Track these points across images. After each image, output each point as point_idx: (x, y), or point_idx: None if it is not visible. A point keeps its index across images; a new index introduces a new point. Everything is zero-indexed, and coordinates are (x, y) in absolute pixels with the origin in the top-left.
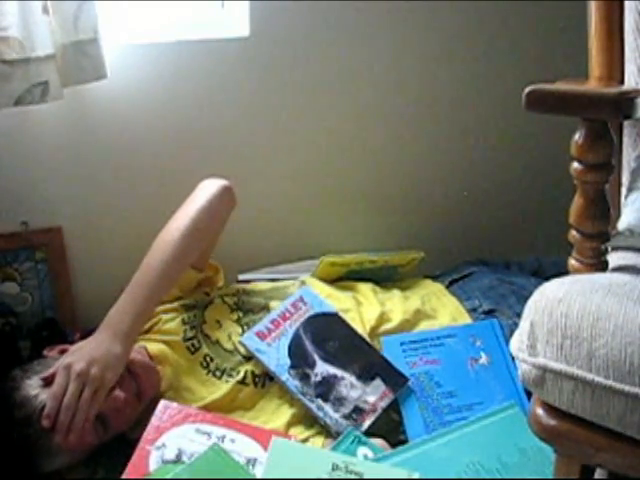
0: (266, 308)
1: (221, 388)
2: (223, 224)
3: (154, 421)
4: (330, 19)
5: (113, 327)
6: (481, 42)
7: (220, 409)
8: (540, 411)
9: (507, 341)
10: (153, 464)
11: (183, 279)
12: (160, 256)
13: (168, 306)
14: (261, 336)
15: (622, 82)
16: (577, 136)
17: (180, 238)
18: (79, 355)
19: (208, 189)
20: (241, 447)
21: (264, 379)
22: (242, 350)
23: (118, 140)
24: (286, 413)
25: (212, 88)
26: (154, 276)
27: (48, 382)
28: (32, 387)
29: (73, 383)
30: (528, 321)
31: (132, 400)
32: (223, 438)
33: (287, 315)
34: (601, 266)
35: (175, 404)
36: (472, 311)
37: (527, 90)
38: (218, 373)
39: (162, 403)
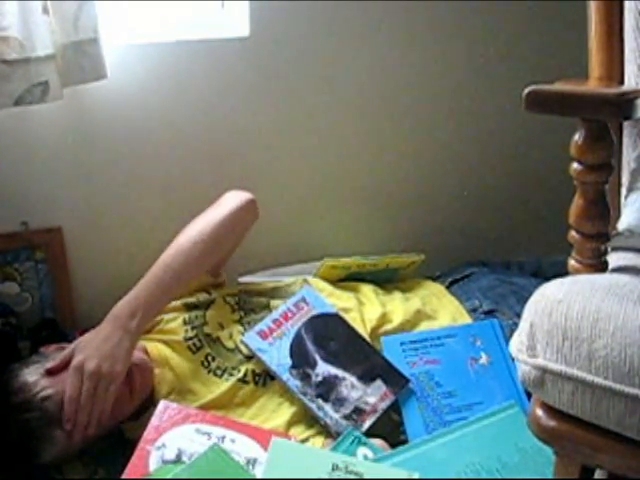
0: (267, 307)
1: (221, 387)
2: (243, 236)
3: (154, 421)
4: (330, 19)
5: (123, 320)
6: (481, 42)
7: (220, 407)
8: (540, 412)
9: (507, 341)
10: (153, 464)
11: (195, 282)
12: (180, 258)
13: (169, 306)
14: (263, 335)
15: (622, 82)
16: (577, 137)
17: (201, 244)
18: (89, 352)
19: (233, 200)
20: (241, 447)
21: (265, 378)
22: (243, 349)
23: (118, 140)
24: (287, 412)
25: (212, 88)
26: (170, 276)
27: (52, 373)
28: (30, 374)
29: (87, 382)
30: (528, 322)
31: (126, 394)
32: (223, 438)
33: (289, 315)
34: (601, 267)
35: (175, 404)
36: (472, 311)
37: (526, 91)
38: (219, 372)
39: (162, 403)
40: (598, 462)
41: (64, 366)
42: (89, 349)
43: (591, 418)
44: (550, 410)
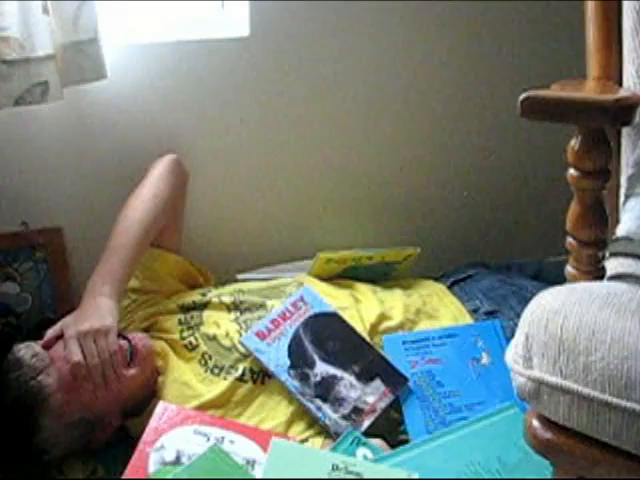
0: (263, 307)
1: (219, 385)
2: (179, 194)
3: (153, 423)
4: (330, 19)
5: (96, 289)
6: (480, 43)
7: (219, 406)
8: (536, 424)
9: (508, 342)
10: (152, 466)
11: (167, 266)
12: (127, 223)
13: (165, 308)
14: (261, 336)
15: (620, 82)
16: (573, 142)
17: (144, 208)
18: (74, 323)
19: (159, 164)
20: (240, 448)
21: (263, 376)
22: (240, 347)
23: (118, 140)
24: (286, 410)
25: (212, 88)
26: (125, 240)
27: (48, 347)
28: (22, 352)
29: (85, 343)
30: (524, 333)
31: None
32: (222, 439)
33: (287, 315)
34: (599, 273)
35: (174, 406)
36: (473, 312)
37: (521, 97)
38: (216, 370)
39: (161, 404)
40: (595, 475)
41: (55, 339)
42: (75, 320)
43: (588, 431)
44: (546, 422)
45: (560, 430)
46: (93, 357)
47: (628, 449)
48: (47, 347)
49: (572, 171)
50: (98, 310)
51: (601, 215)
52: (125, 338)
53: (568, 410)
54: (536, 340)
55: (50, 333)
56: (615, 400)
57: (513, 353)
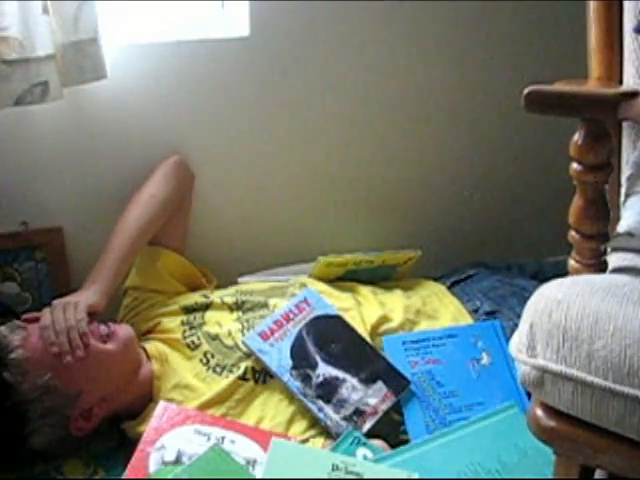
0: (265, 306)
1: (221, 383)
2: (180, 194)
3: (153, 422)
4: (330, 19)
5: (84, 287)
6: (481, 43)
7: (220, 404)
8: (539, 412)
9: (508, 342)
10: (153, 466)
11: (168, 265)
12: (123, 227)
13: (168, 309)
14: (264, 337)
15: (621, 82)
16: (576, 137)
17: (139, 209)
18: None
19: (162, 165)
20: (241, 448)
21: (264, 375)
22: (243, 346)
23: (118, 140)
24: (287, 409)
25: (212, 88)
26: (119, 244)
27: (30, 320)
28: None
29: (56, 311)
30: (527, 322)
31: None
32: (223, 439)
33: (290, 316)
34: (600, 267)
35: (174, 405)
36: (473, 312)
37: (526, 91)
38: (218, 369)
39: (161, 404)
40: (598, 462)
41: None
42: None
43: (591, 418)
44: (550, 410)
45: (563, 418)
46: (59, 321)
47: (631, 436)
48: (30, 319)
49: (575, 165)
50: (77, 295)
51: (603, 208)
52: (106, 325)
53: (571, 398)
54: (540, 329)
55: (33, 314)
56: (618, 387)
57: (517, 342)
